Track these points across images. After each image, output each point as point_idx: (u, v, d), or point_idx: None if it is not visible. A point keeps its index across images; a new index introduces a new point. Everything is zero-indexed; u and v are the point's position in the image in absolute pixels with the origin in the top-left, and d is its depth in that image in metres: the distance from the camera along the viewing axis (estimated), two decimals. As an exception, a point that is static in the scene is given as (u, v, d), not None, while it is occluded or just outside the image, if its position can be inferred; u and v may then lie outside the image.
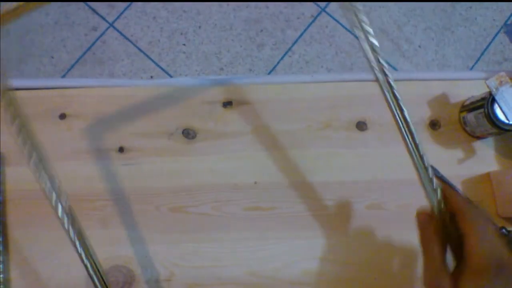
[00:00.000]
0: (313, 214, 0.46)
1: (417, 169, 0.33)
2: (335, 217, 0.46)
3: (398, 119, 0.32)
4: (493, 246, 0.30)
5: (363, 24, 0.30)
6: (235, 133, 0.48)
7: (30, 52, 1.22)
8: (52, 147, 0.47)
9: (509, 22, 1.33)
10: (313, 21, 1.29)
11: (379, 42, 0.30)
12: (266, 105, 0.49)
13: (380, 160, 0.48)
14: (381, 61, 0.31)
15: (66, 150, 0.47)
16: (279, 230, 0.46)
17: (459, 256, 0.32)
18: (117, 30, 1.25)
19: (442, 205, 0.33)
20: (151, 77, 1.23)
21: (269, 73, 1.25)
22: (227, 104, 0.49)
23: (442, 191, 0.33)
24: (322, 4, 1.30)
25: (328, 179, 0.47)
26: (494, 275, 0.29)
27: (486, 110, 0.44)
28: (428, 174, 0.33)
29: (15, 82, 0.49)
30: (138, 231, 0.45)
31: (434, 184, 0.33)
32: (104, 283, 0.29)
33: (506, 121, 0.44)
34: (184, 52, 1.24)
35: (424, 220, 0.34)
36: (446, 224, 0.33)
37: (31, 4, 0.29)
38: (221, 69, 1.24)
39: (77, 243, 0.28)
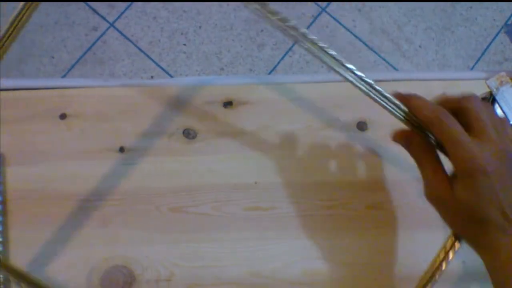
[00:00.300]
0: (313, 214, 0.46)
1: (368, 94, 0.32)
2: (335, 217, 0.46)
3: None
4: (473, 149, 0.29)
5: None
6: (235, 133, 0.48)
7: (30, 52, 1.22)
8: (52, 147, 0.47)
9: (509, 22, 1.33)
10: (313, 21, 1.29)
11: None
12: (266, 105, 0.49)
13: (380, 160, 0.47)
14: (349, 66, 0.31)
15: (66, 150, 0.47)
16: (279, 230, 0.46)
17: None
18: (118, 30, 1.25)
19: (413, 118, 0.33)
20: (152, 77, 1.23)
21: (270, 73, 1.25)
22: (227, 104, 0.49)
23: (406, 104, 0.33)
24: (323, 4, 1.30)
25: (328, 179, 0.47)
26: (483, 175, 0.28)
27: (486, 110, 0.44)
28: (382, 92, 0.32)
29: (16, 82, 0.49)
30: (138, 231, 0.45)
31: (395, 100, 0.33)
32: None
33: (507, 121, 0.44)
34: (184, 52, 1.25)
35: (402, 138, 0.34)
36: (425, 132, 0.33)
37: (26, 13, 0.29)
38: (222, 69, 1.24)
39: None
